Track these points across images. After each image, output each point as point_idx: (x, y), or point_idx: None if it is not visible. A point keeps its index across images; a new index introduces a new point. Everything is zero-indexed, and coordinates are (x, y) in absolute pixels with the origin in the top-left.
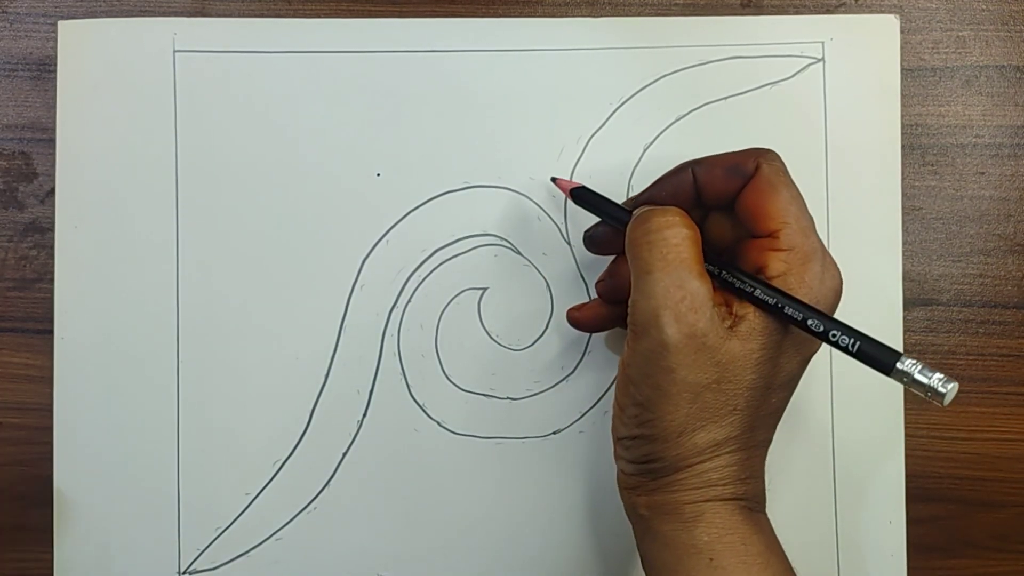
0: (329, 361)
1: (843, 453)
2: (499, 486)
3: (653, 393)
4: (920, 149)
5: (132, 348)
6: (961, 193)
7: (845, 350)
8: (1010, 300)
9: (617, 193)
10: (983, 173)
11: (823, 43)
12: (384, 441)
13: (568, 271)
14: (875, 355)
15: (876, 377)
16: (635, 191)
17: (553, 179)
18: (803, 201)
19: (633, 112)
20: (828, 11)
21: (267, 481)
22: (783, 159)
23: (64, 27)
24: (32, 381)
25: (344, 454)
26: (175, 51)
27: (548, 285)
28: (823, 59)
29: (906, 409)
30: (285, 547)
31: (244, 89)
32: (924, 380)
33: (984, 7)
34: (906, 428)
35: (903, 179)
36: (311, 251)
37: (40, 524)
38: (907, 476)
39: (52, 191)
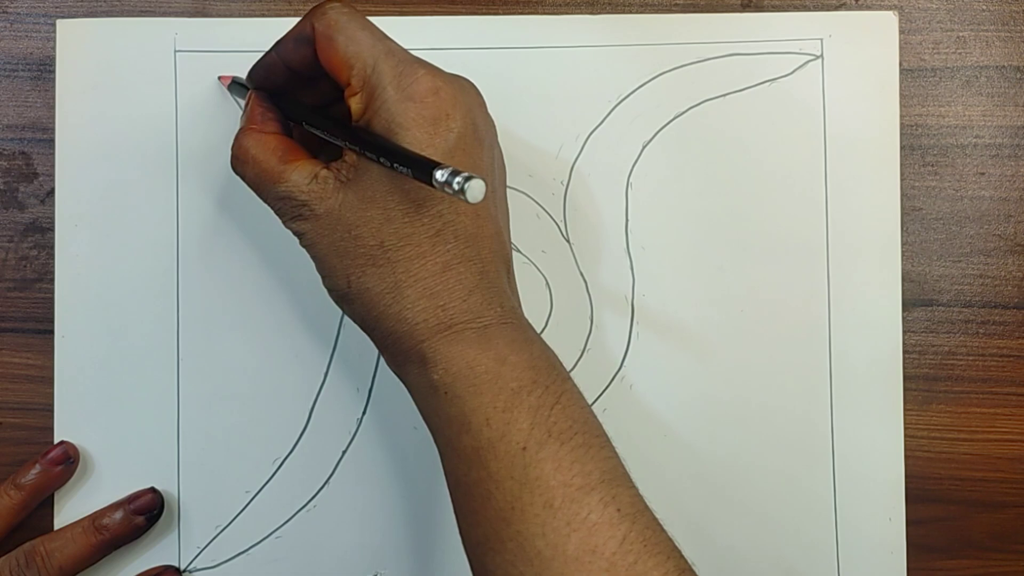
0: (328, 359)
1: (843, 452)
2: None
3: (316, 264)
4: (920, 149)
5: (132, 348)
6: (961, 193)
7: (401, 172)
8: (1010, 300)
9: (616, 192)
10: (983, 173)
11: (822, 40)
12: (384, 439)
13: (567, 269)
14: (419, 171)
15: (876, 376)
16: (634, 189)
17: (219, 77)
18: (369, 36)
19: (632, 109)
20: (828, 11)
21: (267, 479)
22: (351, 7)
23: (63, 26)
24: (32, 381)
25: (344, 452)
26: (176, 51)
27: (547, 282)
28: (822, 56)
29: (906, 410)
30: (285, 545)
31: (244, 89)
32: (451, 182)
33: (984, 7)
34: (906, 429)
35: (903, 180)
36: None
37: (40, 524)
38: (907, 477)
39: (52, 191)
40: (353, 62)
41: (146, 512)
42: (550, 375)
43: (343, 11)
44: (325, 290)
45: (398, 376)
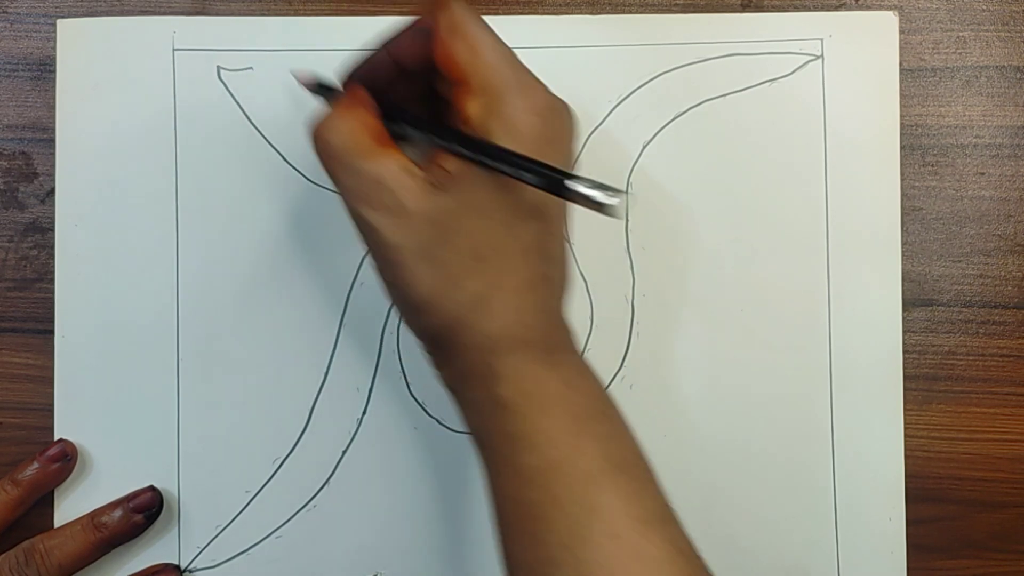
0: (329, 359)
1: (843, 452)
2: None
3: (391, 270)
4: (920, 149)
5: (132, 347)
6: (961, 193)
7: (526, 181)
8: (1010, 300)
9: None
10: (983, 173)
11: (822, 40)
12: (384, 439)
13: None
14: (549, 181)
15: (876, 376)
16: (634, 189)
17: (293, 72)
18: (493, 39)
19: (632, 109)
20: (828, 11)
21: (267, 479)
22: (472, 8)
23: (63, 26)
24: (32, 381)
25: (344, 452)
26: (175, 49)
27: None
28: (822, 56)
29: (906, 410)
30: (285, 545)
31: (244, 87)
32: (590, 194)
33: (984, 7)
34: (906, 429)
35: (903, 180)
36: (311, 249)
37: (40, 522)
38: (907, 477)
39: (52, 191)
40: (476, 63)
41: (145, 510)
42: (610, 407)
43: (467, 9)
44: (389, 299)
45: (452, 390)
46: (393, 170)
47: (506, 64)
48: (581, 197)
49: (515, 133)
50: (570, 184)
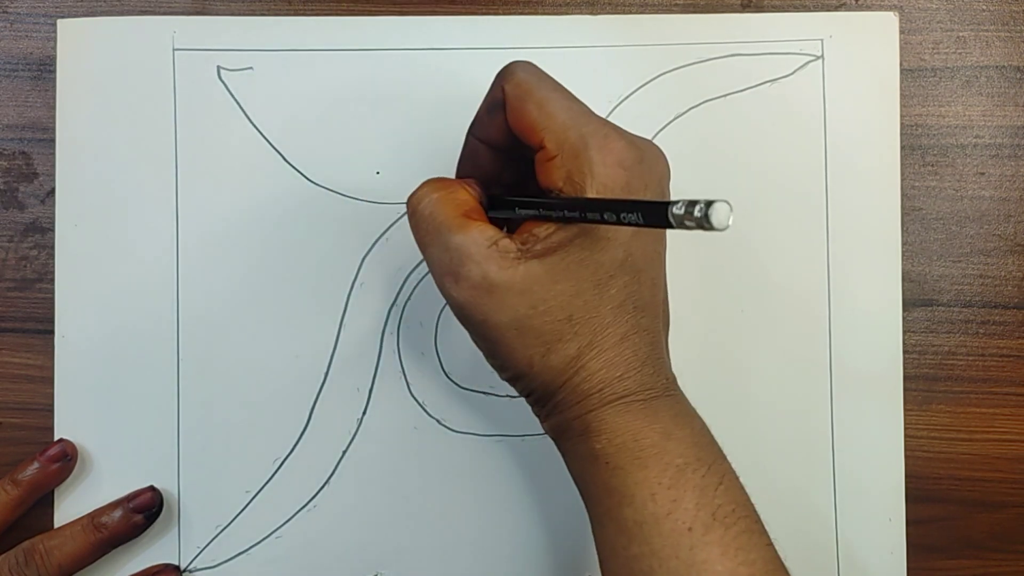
0: (329, 359)
1: (843, 452)
2: (499, 484)
3: (484, 344)
4: (920, 149)
5: (132, 347)
6: (961, 193)
7: (630, 223)
8: (1010, 300)
9: None
10: (983, 173)
11: (822, 40)
12: (384, 439)
13: None
14: (651, 216)
15: (876, 376)
16: None
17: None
18: (562, 97)
19: (632, 110)
20: (828, 11)
21: (267, 479)
22: (538, 67)
23: (63, 25)
24: (32, 381)
25: (344, 452)
26: (175, 49)
27: None
28: (822, 56)
29: (906, 410)
30: (285, 545)
31: (244, 87)
32: (694, 212)
33: (984, 7)
34: (906, 429)
35: (903, 180)
36: (311, 249)
37: (40, 523)
38: (907, 477)
39: (52, 191)
40: (548, 123)
41: (145, 510)
42: (712, 454)
43: (532, 70)
44: (491, 367)
45: (554, 440)
46: (478, 240)
47: (580, 119)
48: (687, 219)
49: (602, 188)
50: (674, 210)
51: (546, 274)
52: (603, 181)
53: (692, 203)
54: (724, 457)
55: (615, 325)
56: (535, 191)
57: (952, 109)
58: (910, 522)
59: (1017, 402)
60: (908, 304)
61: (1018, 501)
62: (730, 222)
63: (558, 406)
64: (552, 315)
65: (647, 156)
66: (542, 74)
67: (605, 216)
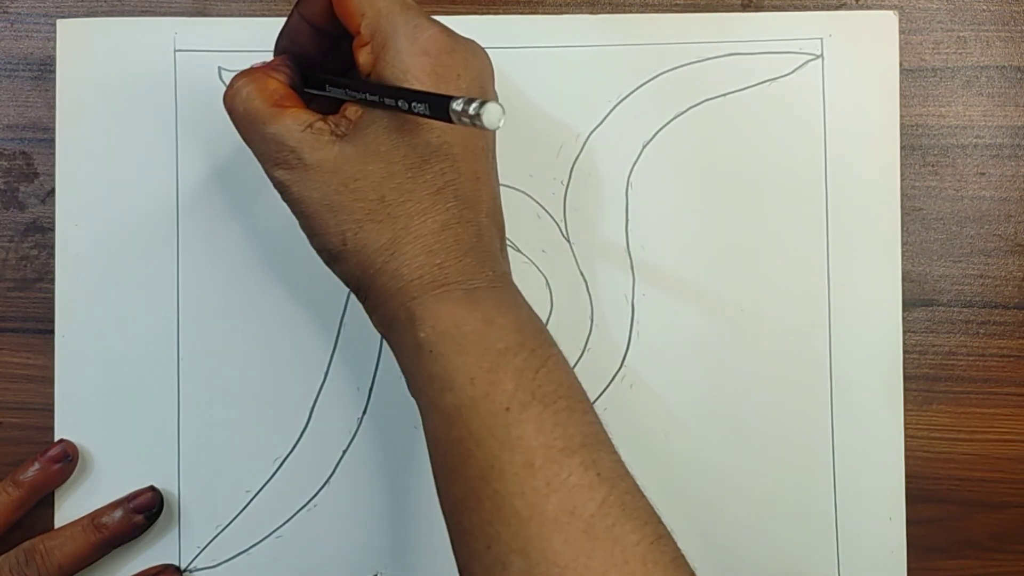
0: (329, 358)
1: (843, 452)
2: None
3: (303, 221)
4: (920, 150)
5: (132, 348)
6: (961, 194)
7: (411, 112)
8: (1010, 300)
9: (616, 192)
10: (983, 174)
11: (822, 40)
12: (384, 439)
13: (568, 268)
14: (436, 109)
15: (877, 376)
16: (634, 189)
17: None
18: None
19: (632, 109)
20: (828, 10)
21: (267, 479)
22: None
23: (64, 26)
24: (32, 381)
25: (344, 452)
26: (176, 50)
27: (547, 282)
28: (822, 56)
29: (906, 410)
30: (285, 545)
31: None
32: (467, 109)
33: (985, 7)
34: (906, 429)
35: (903, 180)
36: (311, 248)
37: (41, 523)
38: (907, 477)
39: (52, 191)
40: (365, 9)
41: (145, 510)
42: (536, 339)
43: None
44: (314, 251)
45: (383, 335)
46: (291, 127)
47: (396, 9)
48: (460, 115)
49: (404, 73)
50: (453, 105)
51: (356, 154)
52: (406, 67)
53: (469, 101)
54: (552, 343)
55: (433, 212)
56: (356, 76)
57: (952, 109)
58: (910, 522)
59: (1017, 402)
60: (908, 304)
61: (1018, 501)
62: (501, 123)
63: (380, 294)
64: (363, 194)
65: (459, 50)
66: None
67: (399, 103)
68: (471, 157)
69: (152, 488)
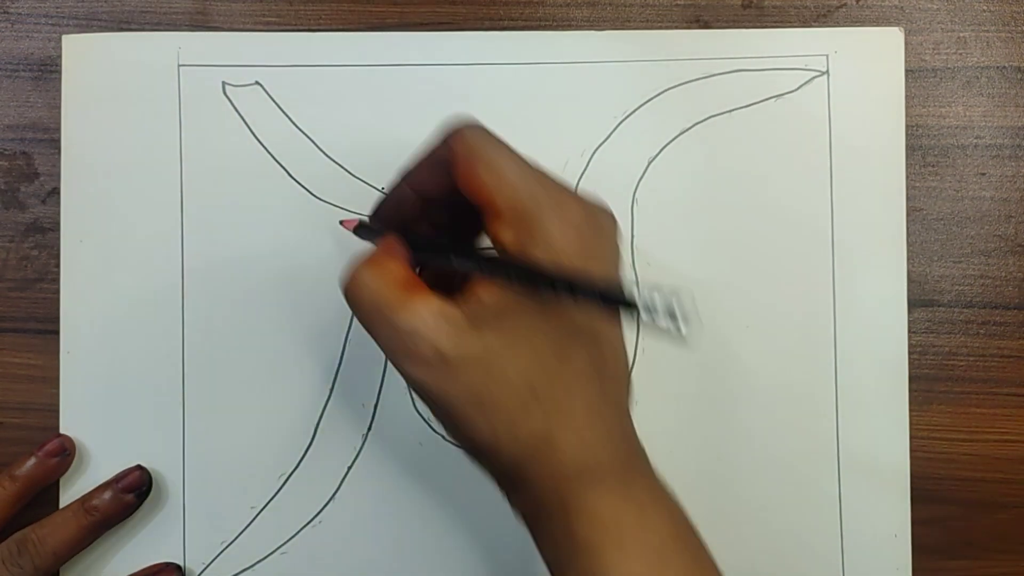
0: (334, 374)
1: (847, 454)
2: (504, 500)
3: (447, 419)
4: (921, 150)
5: (137, 365)
6: (962, 194)
7: (586, 300)
8: (1011, 301)
9: (621, 208)
10: (984, 174)
11: (827, 56)
12: (389, 454)
13: None
14: (607, 300)
15: (881, 379)
16: (639, 205)
17: (341, 222)
18: (513, 158)
19: (637, 125)
20: (828, 12)
21: (272, 495)
22: (486, 128)
23: (68, 41)
24: (33, 381)
25: (349, 468)
26: (179, 65)
27: None
28: (828, 72)
29: (909, 411)
30: (291, 561)
31: (249, 103)
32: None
33: (985, 8)
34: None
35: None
36: (316, 264)
37: None
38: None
39: (53, 191)
40: (502, 186)
41: (135, 489)
42: (688, 530)
43: (482, 133)
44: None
45: (525, 520)
46: (426, 317)
47: (532, 182)
48: (655, 314)
49: (554, 252)
50: (642, 301)
51: (502, 345)
52: (556, 246)
53: (662, 299)
54: (698, 535)
55: (582, 396)
56: (458, 237)
57: (953, 110)
58: (911, 523)
59: (1018, 403)
60: (909, 304)
61: (1019, 502)
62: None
63: (532, 483)
64: (513, 386)
65: (600, 218)
66: (491, 135)
67: (559, 288)
68: (608, 329)
69: (139, 467)
